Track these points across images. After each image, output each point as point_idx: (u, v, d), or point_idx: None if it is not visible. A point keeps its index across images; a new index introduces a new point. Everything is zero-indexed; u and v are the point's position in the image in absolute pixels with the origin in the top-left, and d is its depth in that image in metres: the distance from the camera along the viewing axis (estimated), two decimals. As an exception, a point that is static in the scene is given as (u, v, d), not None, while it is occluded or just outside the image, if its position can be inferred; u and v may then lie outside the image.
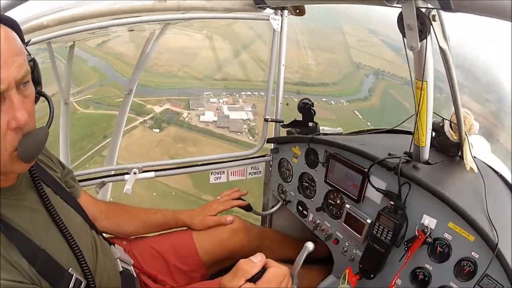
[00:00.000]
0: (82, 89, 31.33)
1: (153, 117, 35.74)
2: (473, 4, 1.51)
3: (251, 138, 34.24)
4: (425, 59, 1.92)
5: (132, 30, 4.70)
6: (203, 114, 38.39)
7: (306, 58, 46.05)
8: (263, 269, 1.49)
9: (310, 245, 1.66)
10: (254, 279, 1.45)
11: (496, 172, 2.72)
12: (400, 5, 1.73)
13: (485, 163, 2.77)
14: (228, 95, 40.48)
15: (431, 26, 1.78)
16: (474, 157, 2.55)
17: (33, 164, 1.53)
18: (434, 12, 1.76)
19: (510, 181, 2.64)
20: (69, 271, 1.61)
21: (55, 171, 1.96)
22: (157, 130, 34.93)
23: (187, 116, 37.85)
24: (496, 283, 1.86)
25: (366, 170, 2.40)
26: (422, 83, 2.03)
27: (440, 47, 1.94)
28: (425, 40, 1.83)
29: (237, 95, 40.27)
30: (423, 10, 1.72)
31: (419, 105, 2.13)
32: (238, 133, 36.37)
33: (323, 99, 41.57)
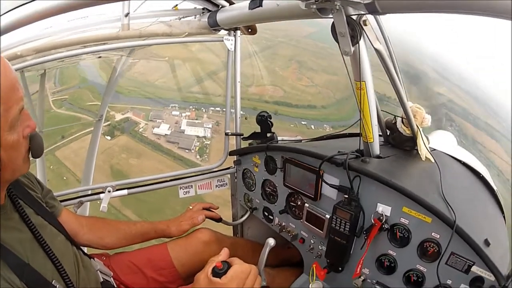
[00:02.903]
0: (62, 89, 30.82)
1: (109, 124, 34.54)
2: (397, 3, 1.54)
3: (198, 157, 32.94)
4: (359, 61, 1.95)
5: (100, 57, 4.70)
6: (158, 127, 37.00)
7: (301, 78, 45.07)
8: (229, 266, 1.49)
9: (271, 241, 1.64)
10: (220, 274, 1.45)
11: (459, 161, 2.72)
12: (331, 16, 1.75)
13: (448, 154, 2.78)
14: (193, 109, 39.24)
15: (362, 31, 1.82)
16: (434, 149, 2.58)
17: (11, 188, 1.64)
18: (365, 17, 1.79)
19: (476, 169, 2.67)
20: (53, 283, 1.61)
21: (36, 192, 1.95)
22: (109, 138, 33.81)
23: (142, 127, 36.70)
24: (464, 259, 1.84)
25: (318, 169, 2.39)
26: (360, 83, 2.06)
27: (375, 49, 1.95)
28: (357, 44, 1.86)
29: (203, 110, 38.97)
30: (354, 17, 1.75)
31: (361, 103, 2.15)
32: (186, 151, 34.88)
33: (303, 122, 39.86)
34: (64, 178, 28.39)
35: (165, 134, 36.45)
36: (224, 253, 1.61)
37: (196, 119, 38.20)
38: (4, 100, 1.29)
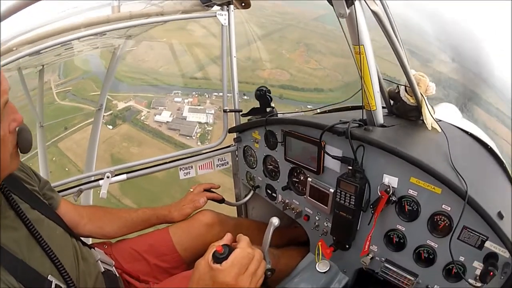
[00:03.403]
0: (65, 81, 31.06)
1: (111, 113, 34.53)
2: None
3: (199, 143, 32.20)
4: (357, 24, 1.84)
5: (97, 47, 4.67)
6: (160, 114, 36.70)
7: (309, 61, 44.21)
8: (230, 250, 1.39)
9: (275, 220, 1.56)
10: (220, 259, 1.35)
11: (466, 132, 2.61)
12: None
13: (454, 125, 2.66)
14: (196, 95, 38.74)
15: None
16: (439, 120, 2.45)
17: (5, 184, 1.61)
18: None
19: (484, 141, 2.56)
20: (48, 278, 1.56)
21: (32, 185, 1.90)
22: (110, 127, 33.73)
23: (144, 115, 36.48)
24: (477, 234, 1.72)
25: (319, 140, 2.27)
26: (359, 48, 1.95)
27: (372, 11, 1.87)
28: (353, 5, 1.76)
29: (207, 95, 38.48)
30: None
31: (361, 70, 2.04)
32: (187, 137, 34.34)
33: (308, 106, 38.19)
34: (66, 169, 28.70)
35: (167, 121, 36.16)
36: (226, 238, 1.53)
37: (199, 105, 37.77)
38: None
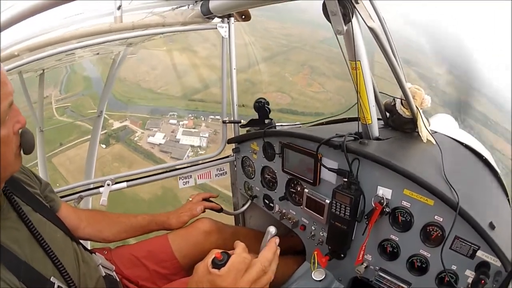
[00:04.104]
0: (66, 97, 30.83)
1: (106, 132, 34.02)
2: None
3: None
4: (353, 40, 1.89)
5: (98, 54, 4.68)
6: (153, 136, 36.02)
7: (312, 84, 43.48)
8: (229, 257, 1.40)
9: (272, 229, 1.55)
10: (219, 265, 1.36)
11: (462, 143, 2.65)
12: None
13: (449, 137, 2.70)
14: (192, 117, 38.07)
15: (354, 9, 1.77)
16: (435, 131, 2.51)
17: (7, 186, 1.63)
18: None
19: (479, 151, 2.60)
20: (51, 279, 1.58)
21: (34, 187, 1.91)
22: (104, 146, 33.18)
23: (138, 136, 35.96)
24: (469, 244, 1.76)
25: (315, 152, 2.32)
26: (355, 63, 1.99)
27: (368, 27, 1.89)
28: (350, 22, 1.80)
29: (203, 118, 37.78)
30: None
31: (357, 84, 2.08)
32: (178, 161, 31.99)
33: None
34: (57, 184, 28.34)
35: (159, 143, 35.59)
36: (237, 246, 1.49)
37: (194, 128, 37.16)
38: None
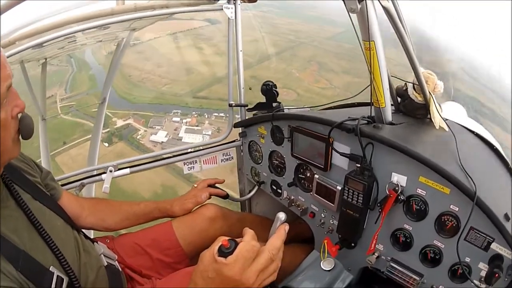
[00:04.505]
0: (70, 96, 30.98)
1: (109, 131, 33.47)
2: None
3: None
4: (368, 19, 1.80)
5: (101, 41, 4.61)
6: (156, 134, 35.11)
7: (319, 80, 41.61)
8: (236, 245, 1.33)
9: (281, 215, 1.48)
10: (226, 254, 1.30)
11: (472, 132, 2.57)
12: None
13: (460, 124, 2.62)
14: (196, 115, 37.12)
15: None
16: (446, 119, 2.42)
17: (7, 174, 1.61)
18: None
19: (488, 139, 2.52)
20: (50, 269, 1.55)
21: (34, 176, 1.89)
22: (106, 145, 32.56)
23: (141, 134, 35.29)
24: (484, 235, 1.70)
25: (327, 136, 2.24)
26: (369, 43, 1.91)
27: (383, 7, 1.84)
28: (364, 1, 1.71)
29: (206, 116, 36.70)
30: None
31: (371, 66, 1.99)
32: None
33: None
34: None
35: (162, 142, 34.70)
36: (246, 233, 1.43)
37: (197, 125, 36.27)
38: None
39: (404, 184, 1.97)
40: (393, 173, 2.00)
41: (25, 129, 1.47)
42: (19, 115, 1.45)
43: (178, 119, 36.31)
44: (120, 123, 35.22)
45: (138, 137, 34.14)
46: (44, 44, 2.58)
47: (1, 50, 1.32)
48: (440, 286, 1.94)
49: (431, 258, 1.96)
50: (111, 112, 34.24)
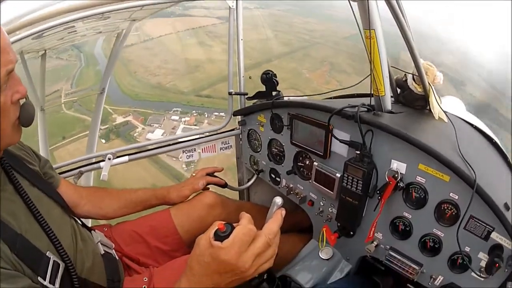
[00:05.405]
0: (75, 91, 30.99)
1: (107, 127, 33.60)
2: None
3: (184, 167, 29.57)
4: (368, 8, 1.81)
5: (100, 32, 4.59)
6: (153, 132, 34.93)
7: (330, 81, 41.54)
8: (233, 229, 1.32)
9: (278, 199, 1.45)
10: (222, 237, 1.28)
11: (471, 125, 2.57)
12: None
13: (458, 117, 2.62)
14: (195, 114, 37.12)
15: None
16: (446, 111, 2.41)
17: (6, 159, 1.62)
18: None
19: (488, 133, 2.53)
20: (47, 254, 1.54)
21: (33, 164, 1.90)
22: (103, 141, 32.01)
23: (138, 132, 35.14)
24: (484, 224, 1.69)
25: (327, 123, 2.23)
26: (370, 32, 1.92)
27: None
28: None
29: (206, 115, 36.73)
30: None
31: (371, 54, 2.00)
32: (174, 159, 30.99)
33: None
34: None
35: None
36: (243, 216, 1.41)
37: (195, 125, 36.03)
38: None
39: (403, 172, 1.96)
40: (392, 160, 1.99)
41: (25, 116, 1.46)
42: (21, 102, 1.45)
43: (177, 117, 36.30)
44: (119, 119, 35.26)
45: (135, 134, 34.01)
46: (43, 34, 2.57)
47: (6, 35, 1.32)
48: (440, 276, 1.94)
49: (431, 247, 1.96)
50: (112, 109, 34.27)
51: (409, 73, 2.37)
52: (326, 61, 45.04)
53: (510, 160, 2.41)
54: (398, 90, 2.56)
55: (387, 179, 1.97)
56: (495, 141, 2.45)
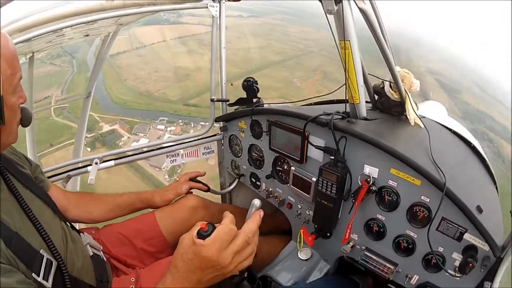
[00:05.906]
0: (64, 98, 30.54)
1: (93, 135, 32.96)
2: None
3: (167, 177, 29.08)
4: (343, 20, 1.87)
5: (88, 35, 4.60)
6: (138, 141, 33.35)
7: (321, 90, 39.41)
8: (214, 228, 1.39)
9: (256, 202, 1.55)
10: (204, 236, 1.35)
11: (450, 130, 2.65)
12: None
13: (438, 122, 2.70)
14: (181, 123, 36.29)
15: None
16: (423, 116, 2.49)
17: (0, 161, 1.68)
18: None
19: (466, 137, 2.60)
20: (40, 251, 1.58)
21: (25, 168, 1.94)
22: (89, 149, 30.97)
23: (123, 141, 34.27)
24: (456, 226, 1.76)
25: (303, 130, 2.30)
26: (345, 43, 1.98)
27: (359, 8, 1.89)
28: (341, 3, 1.79)
29: (192, 124, 35.65)
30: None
31: (346, 64, 2.07)
32: (157, 169, 30.43)
33: None
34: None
35: None
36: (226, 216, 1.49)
37: (180, 134, 34.95)
38: (11, 65, 1.41)
39: (376, 176, 2.03)
40: (365, 165, 2.06)
41: (26, 118, 1.61)
42: (20, 106, 1.57)
43: (163, 126, 35.61)
44: (106, 128, 34.53)
45: (120, 143, 33.36)
46: (32, 39, 2.59)
47: (13, 43, 1.45)
48: (415, 275, 2.00)
49: (405, 247, 2.02)
50: (100, 117, 33.67)
51: (386, 80, 2.44)
52: (318, 70, 44.58)
53: (489, 164, 2.50)
54: (376, 97, 2.63)
55: (360, 183, 2.04)
56: (473, 145, 2.52)
